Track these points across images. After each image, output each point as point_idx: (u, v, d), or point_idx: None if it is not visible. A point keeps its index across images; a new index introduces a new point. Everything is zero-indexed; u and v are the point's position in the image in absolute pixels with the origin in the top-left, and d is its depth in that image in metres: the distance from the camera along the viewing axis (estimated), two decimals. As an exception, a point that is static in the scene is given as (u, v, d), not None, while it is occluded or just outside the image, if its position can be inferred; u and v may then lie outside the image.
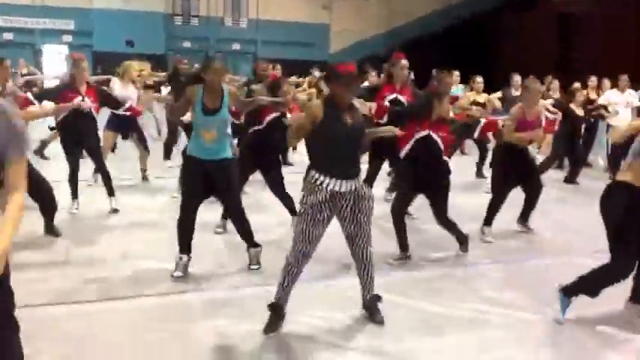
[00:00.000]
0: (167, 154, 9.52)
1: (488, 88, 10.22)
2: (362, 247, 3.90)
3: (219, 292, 4.61)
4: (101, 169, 6.90)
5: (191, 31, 28.00)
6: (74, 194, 6.79)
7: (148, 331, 3.91)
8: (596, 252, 5.29)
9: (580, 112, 9.27)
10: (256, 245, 5.11)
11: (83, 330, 3.89)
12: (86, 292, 4.51)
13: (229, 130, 5.25)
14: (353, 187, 3.76)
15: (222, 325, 4.02)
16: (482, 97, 9.64)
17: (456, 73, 11.11)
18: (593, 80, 11.27)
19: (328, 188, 3.71)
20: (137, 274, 4.93)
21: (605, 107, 10.16)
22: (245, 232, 5.07)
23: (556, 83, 11.00)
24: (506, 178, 6.12)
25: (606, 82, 11.15)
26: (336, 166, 3.72)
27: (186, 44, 27.49)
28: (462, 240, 5.56)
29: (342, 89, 3.70)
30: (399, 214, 5.35)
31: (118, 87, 8.03)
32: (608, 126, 10.27)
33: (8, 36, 24.85)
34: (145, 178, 8.63)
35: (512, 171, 6.10)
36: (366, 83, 9.00)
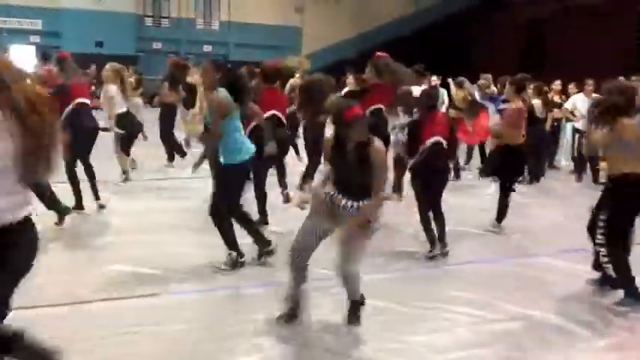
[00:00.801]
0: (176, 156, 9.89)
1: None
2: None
3: (189, 295, 4.61)
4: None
5: (162, 32, 27.75)
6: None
7: (118, 335, 3.88)
8: (561, 252, 5.41)
9: (540, 112, 9.47)
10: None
11: (52, 336, 3.83)
12: (56, 295, 4.46)
13: None
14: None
15: (192, 327, 4.01)
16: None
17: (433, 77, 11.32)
18: (557, 84, 11.50)
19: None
20: (105, 278, 4.89)
21: (572, 112, 10.40)
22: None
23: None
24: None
25: (571, 87, 11.38)
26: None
27: (157, 45, 27.22)
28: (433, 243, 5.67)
29: (349, 134, 3.80)
30: (424, 219, 5.63)
31: (115, 91, 7.97)
32: (575, 130, 10.49)
33: (-27, 36, 24.37)
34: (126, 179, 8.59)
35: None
36: (346, 88, 8.94)
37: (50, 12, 24.72)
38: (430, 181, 5.61)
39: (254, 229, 5.37)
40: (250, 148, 5.15)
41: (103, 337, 3.82)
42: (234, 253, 5.15)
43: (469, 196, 8.39)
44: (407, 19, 30.34)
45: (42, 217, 6.51)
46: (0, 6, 24.57)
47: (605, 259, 4.53)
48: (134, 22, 26.14)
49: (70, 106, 6.54)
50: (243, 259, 5.19)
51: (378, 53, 6.81)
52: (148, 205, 7.39)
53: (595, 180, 9.50)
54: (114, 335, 3.85)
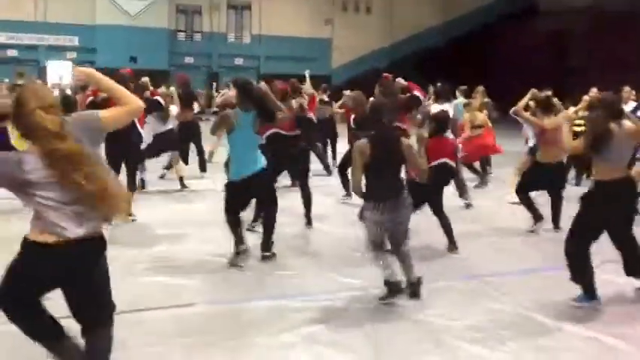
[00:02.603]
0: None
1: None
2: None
3: (221, 306, 4.61)
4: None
5: (194, 46, 28.17)
6: None
7: (151, 345, 3.89)
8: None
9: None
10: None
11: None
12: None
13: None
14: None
15: (221, 338, 4.01)
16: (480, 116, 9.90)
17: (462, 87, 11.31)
18: (594, 91, 11.24)
19: None
20: (143, 288, 4.93)
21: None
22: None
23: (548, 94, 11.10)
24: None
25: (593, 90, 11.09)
26: None
27: (189, 60, 27.64)
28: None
29: None
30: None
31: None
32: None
33: (12, 53, 25.04)
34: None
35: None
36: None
37: (86, 28, 25.35)
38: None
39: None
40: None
41: (131, 347, 3.84)
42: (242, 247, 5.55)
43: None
44: (437, 29, 30.22)
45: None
46: (38, 23, 25.31)
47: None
48: (167, 37, 26.60)
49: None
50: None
51: (385, 74, 7.10)
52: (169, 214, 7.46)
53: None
54: (146, 345, 3.87)
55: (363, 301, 4.73)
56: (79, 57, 25.76)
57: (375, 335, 4.13)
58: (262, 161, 5.51)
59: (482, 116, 9.94)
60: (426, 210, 6.13)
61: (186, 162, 9.75)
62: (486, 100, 11.13)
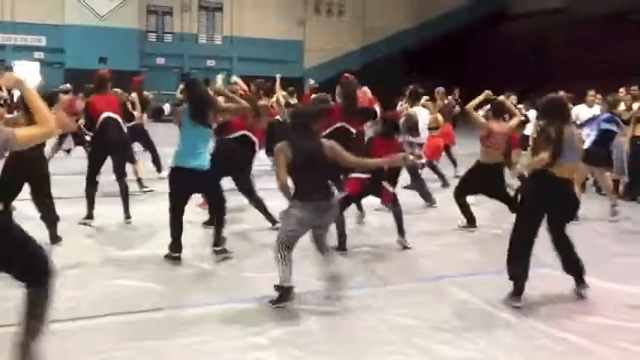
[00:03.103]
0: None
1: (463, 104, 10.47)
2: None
3: (193, 309, 4.58)
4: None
5: (165, 47, 27.92)
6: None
7: (121, 349, 3.85)
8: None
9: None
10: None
11: (56, 351, 3.81)
12: (59, 310, 4.42)
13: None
14: None
15: (196, 342, 3.98)
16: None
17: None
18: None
19: None
20: (111, 292, 4.87)
21: (574, 122, 10.35)
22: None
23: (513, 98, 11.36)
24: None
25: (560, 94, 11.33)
26: None
27: (160, 61, 27.39)
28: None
29: None
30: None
31: None
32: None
33: (-22, 52, 24.56)
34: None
35: None
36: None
37: (54, 28, 24.93)
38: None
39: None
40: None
41: (105, 351, 3.79)
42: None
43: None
44: (411, 31, 30.46)
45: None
46: (6, 22, 24.80)
47: None
48: (137, 38, 26.31)
49: (99, 120, 6.99)
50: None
51: (345, 74, 7.01)
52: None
53: (599, 190, 9.50)
54: (115, 350, 3.82)
55: (331, 302, 4.75)
56: (47, 57, 25.32)
57: (346, 336, 4.15)
58: (206, 160, 5.67)
59: (437, 117, 10.54)
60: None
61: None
62: (447, 101, 11.63)
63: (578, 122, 10.22)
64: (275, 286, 4.59)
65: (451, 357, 3.89)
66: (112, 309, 4.49)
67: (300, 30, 29.81)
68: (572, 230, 5.00)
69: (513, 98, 11.60)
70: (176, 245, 5.67)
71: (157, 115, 10.25)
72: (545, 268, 5.29)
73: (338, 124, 6.38)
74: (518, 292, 4.75)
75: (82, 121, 8.96)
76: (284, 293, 4.58)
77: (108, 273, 5.35)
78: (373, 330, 4.27)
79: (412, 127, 7.85)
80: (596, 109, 10.17)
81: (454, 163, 11.46)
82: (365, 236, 6.83)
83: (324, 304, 4.69)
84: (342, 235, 6.14)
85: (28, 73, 23.04)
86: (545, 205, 4.76)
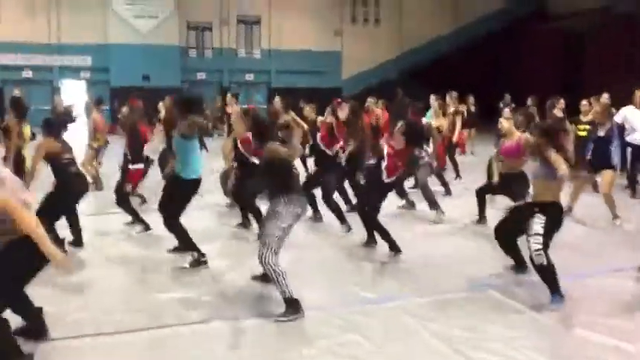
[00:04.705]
0: None
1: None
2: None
3: (247, 321, 4.65)
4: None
5: (205, 62, 28.38)
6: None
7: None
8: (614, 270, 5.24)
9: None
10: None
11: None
12: (106, 324, 4.56)
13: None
14: None
15: (245, 353, 4.04)
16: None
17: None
18: (605, 97, 11.21)
19: None
20: (155, 305, 4.98)
21: (622, 125, 10.11)
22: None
23: (562, 103, 11.19)
24: None
25: (604, 96, 11.10)
26: None
27: (201, 76, 27.86)
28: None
29: None
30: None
31: None
32: (626, 144, 10.21)
33: (27, 74, 25.39)
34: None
35: None
36: None
37: (99, 48, 25.62)
38: None
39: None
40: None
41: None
42: (196, 254, 5.89)
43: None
44: (446, 37, 30.22)
45: (93, 245, 6.76)
46: (52, 45, 25.66)
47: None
48: (178, 55, 26.83)
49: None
50: (204, 259, 5.94)
51: (337, 100, 7.89)
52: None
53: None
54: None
55: (377, 314, 4.76)
56: (93, 77, 26.06)
57: (394, 347, 4.16)
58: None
59: (442, 122, 10.70)
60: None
61: None
62: (454, 107, 11.75)
63: (627, 125, 10.02)
64: (287, 299, 4.59)
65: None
66: (152, 322, 4.60)
67: (337, 40, 29.90)
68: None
69: (562, 103, 11.38)
70: (196, 247, 5.96)
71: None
72: (590, 277, 5.20)
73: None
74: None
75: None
76: (294, 305, 4.61)
77: (150, 285, 5.48)
78: (420, 339, 4.26)
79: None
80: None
81: (455, 168, 11.42)
82: (407, 245, 6.81)
83: (361, 315, 4.70)
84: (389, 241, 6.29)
85: (76, 93, 23.84)
86: None
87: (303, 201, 4.82)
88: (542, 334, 4.38)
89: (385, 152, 6.37)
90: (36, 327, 4.17)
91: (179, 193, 6.02)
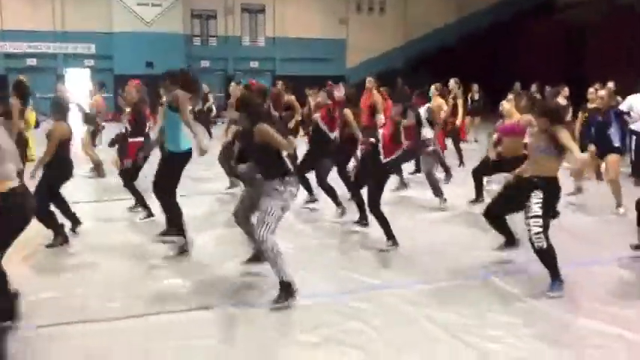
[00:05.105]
0: None
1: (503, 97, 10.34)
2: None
3: (248, 309, 4.65)
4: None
5: (209, 50, 28.30)
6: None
7: (171, 348, 3.95)
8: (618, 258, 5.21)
9: None
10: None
11: (102, 348, 3.94)
12: (105, 310, 4.57)
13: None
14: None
15: (246, 341, 4.04)
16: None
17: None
18: (610, 85, 11.15)
19: None
20: (156, 291, 4.99)
21: (627, 113, 10.04)
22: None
23: (566, 91, 11.17)
24: None
25: (610, 84, 11.07)
26: None
27: (205, 64, 27.79)
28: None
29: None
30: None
31: None
32: (632, 132, 10.14)
33: (32, 62, 25.37)
34: None
35: None
36: None
37: (103, 36, 25.58)
38: None
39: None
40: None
41: (155, 350, 3.90)
42: (183, 240, 5.91)
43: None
44: (452, 26, 30.02)
45: (95, 229, 6.77)
46: (57, 32, 25.63)
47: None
48: (183, 42, 26.76)
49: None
50: (187, 248, 5.92)
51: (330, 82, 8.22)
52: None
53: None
54: (166, 349, 3.92)
55: (378, 301, 4.75)
56: (97, 64, 26.04)
57: (393, 333, 4.15)
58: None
59: (441, 107, 10.42)
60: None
61: None
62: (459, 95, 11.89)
63: (632, 113, 9.93)
64: (282, 282, 4.57)
65: (500, 352, 3.85)
66: (162, 307, 4.61)
67: (342, 28, 29.75)
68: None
69: (566, 90, 11.37)
70: (185, 234, 5.96)
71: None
72: (593, 265, 5.17)
73: None
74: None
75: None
76: (288, 289, 4.59)
77: (151, 272, 5.49)
78: (420, 327, 4.25)
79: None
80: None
81: (460, 155, 11.45)
82: (408, 233, 6.79)
83: (362, 302, 4.69)
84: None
85: (80, 80, 23.83)
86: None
87: (296, 180, 4.80)
88: (543, 321, 4.35)
89: (380, 134, 6.32)
90: (7, 308, 4.06)
91: (171, 167, 6.01)
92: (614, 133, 7.90)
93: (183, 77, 6.18)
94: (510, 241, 5.67)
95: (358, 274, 5.36)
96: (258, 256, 5.23)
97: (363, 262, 5.77)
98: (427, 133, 8.25)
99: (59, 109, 6.52)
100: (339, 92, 7.73)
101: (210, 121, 17.97)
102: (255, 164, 4.86)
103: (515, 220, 5.56)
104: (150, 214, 7.32)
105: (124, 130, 7.92)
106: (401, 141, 6.28)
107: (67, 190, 6.70)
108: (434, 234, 6.82)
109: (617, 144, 7.91)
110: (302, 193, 7.85)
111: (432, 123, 8.35)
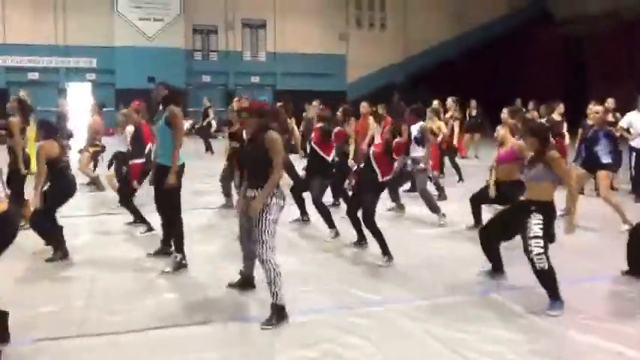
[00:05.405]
0: None
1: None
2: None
3: (247, 324, 4.63)
4: None
5: (210, 65, 28.46)
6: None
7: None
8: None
9: None
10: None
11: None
12: (107, 324, 4.56)
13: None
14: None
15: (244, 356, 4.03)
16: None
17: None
18: (610, 102, 11.24)
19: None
20: (156, 305, 4.98)
21: (627, 130, 10.08)
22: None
23: (561, 107, 11.27)
24: None
25: (609, 101, 11.19)
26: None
27: (206, 78, 27.93)
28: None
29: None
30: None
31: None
32: (631, 149, 10.17)
33: (34, 75, 25.48)
34: None
35: None
36: None
37: (105, 50, 25.72)
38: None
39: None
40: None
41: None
42: (180, 256, 5.89)
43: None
44: (451, 42, 30.20)
45: (98, 246, 6.77)
46: (59, 46, 25.78)
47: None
48: (184, 57, 26.89)
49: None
50: (185, 262, 5.92)
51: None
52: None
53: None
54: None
55: (376, 316, 4.74)
56: (99, 78, 26.15)
57: (395, 349, 4.14)
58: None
59: (440, 126, 10.64)
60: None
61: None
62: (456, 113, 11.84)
63: (632, 130, 9.97)
64: (275, 305, 4.51)
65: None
66: (162, 321, 4.59)
67: (342, 44, 29.93)
68: None
69: (561, 107, 11.44)
70: (183, 249, 5.97)
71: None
72: (594, 282, 5.16)
73: None
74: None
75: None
76: (280, 313, 4.52)
77: (151, 286, 5.47)
78: (419, 342, 4.24)
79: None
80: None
81: (458, 172, 11.49)
82: (406, 248, 6.78)
83: (360, 318, 4.68)
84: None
85: (81, 95, 23.92)
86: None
87: (284, 193, 4.75)
88: (542, 337, 4.34)
89: (371, 153, 6.34)
90: None
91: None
92: (601, 149, 7.93)
93: (175, 95, 6.17)
94: (497, 268, 5.63)
95: (356, 289, 5.35)
96: (243, 282, 5.26)
97: (362, 277, 5.76)
98: (417, 151, 8.22)
99: (46, 126, 6.50)
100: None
101: (210, 136, 18.10)
102: (249, 173, 4.80)
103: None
104: (150, 229, 7.32)
105: (124, 150, 7.98)
106: (394, 158, 6.30)
107: (67, 203, 6.69)
108: (432, 249, 6.82)
109: (605, 160, 7.93)
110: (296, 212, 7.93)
111: (421, 142, 8.28)
